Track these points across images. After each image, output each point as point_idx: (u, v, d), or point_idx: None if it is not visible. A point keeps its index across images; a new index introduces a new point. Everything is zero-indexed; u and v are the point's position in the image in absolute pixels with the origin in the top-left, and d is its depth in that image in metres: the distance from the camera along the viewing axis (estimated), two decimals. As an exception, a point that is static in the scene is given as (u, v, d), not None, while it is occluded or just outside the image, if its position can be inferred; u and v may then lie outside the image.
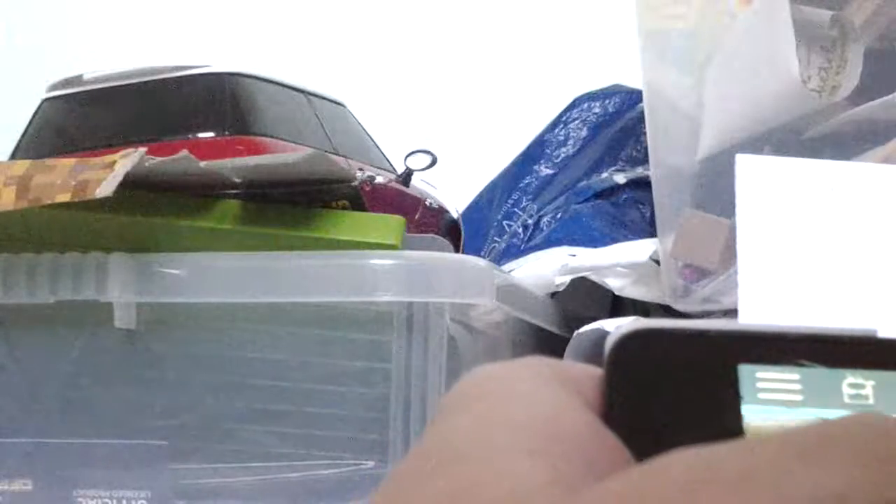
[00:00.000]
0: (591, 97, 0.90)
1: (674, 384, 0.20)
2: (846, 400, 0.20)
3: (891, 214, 0.56)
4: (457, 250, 0.75)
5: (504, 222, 0.86)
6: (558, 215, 0.81)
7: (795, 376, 0.20)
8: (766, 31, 0.64)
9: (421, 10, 1.22)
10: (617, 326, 0.21)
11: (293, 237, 0.56)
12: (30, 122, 0.72)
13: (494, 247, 0.85)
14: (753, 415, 0.20)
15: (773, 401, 0.20)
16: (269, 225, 0.56)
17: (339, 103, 0.80)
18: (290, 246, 0.56)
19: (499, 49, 1.20)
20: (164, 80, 0.68)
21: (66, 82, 0.71)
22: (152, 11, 1.24)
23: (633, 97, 0.86)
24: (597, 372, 0.21)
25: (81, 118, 0.70)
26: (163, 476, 0.58)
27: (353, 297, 0.55)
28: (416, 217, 0.74)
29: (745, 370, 0.20)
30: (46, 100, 0.71)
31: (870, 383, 0.20)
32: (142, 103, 0.69)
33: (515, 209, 0.87)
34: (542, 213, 0.83)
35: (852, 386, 0.20)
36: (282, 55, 1.15)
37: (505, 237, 0.85)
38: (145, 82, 0.69)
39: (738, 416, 0.20)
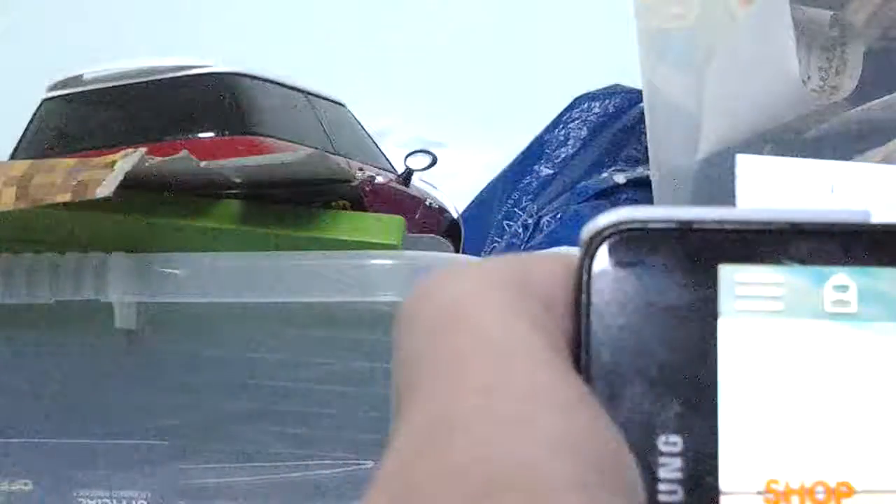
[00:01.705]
0: (591, 97, 0.90)
1: (650, 285, 0.19)
2: (828, 308, 0.19)
3: (891, 214, 0.56)
4: (457, 250, 0.75)
5: (504, 222, 0.86)
6: (558, 215, 0.81)
7: (778, 278, 0.19)
8: (766, 31, 0.64)
9: (421, 11, 1.22)
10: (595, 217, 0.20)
11: (293, 237, 0.56)
12: (30, 122, 0.72)
13: (494, 247, 0.85)
14: (730, 329, 0.19)
15: (752, 311, 0.19)
16: (269, 225, 0.56)
17: (339, 103, 0.80)
18: (290, 246, 0.56)
19: (499, 49, 1.20)
20: (164, 80, 0.68)
21: (66, 82, 0.71)
22: (152, 11, 1.24)
23: (633, 97, 0.86)
24: (568, 269, 0.20)
25: (81, 118, 0.70)
26: (163, 476, 0.58)
27: (353, 297, 0.55)
28: (416, 217, 0.74)
29: (724, 272, 0.19)
30: (46, 100, 0.71)
31: (854, 284, 0.19)
32: (142, 103, 0.68)
33: (515, 209, 0.87)
34: (542, 213, 0.83)
35: (836, 288, 0.19)
36: (282, 55, 1.15)
37: (505, 237, 0.85)
38: (145, 82, 0.69)
39: (713, 332, 0.19)
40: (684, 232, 0.19)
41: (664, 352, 0.19)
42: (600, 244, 0.19)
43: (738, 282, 0.19)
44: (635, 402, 0.19)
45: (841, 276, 0.19)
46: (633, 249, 0.19)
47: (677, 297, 0.19)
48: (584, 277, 0.19)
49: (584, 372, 0.19)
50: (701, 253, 0.19)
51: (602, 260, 0.19)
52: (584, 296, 0.19)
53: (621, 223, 0.19)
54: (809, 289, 0.19)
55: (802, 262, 0.19)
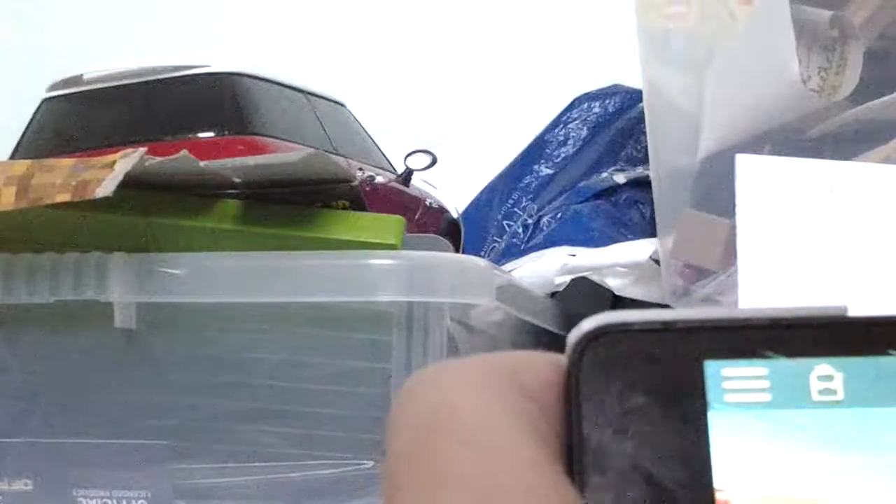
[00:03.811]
0: (591, 97, 0.90)
1: (639, 385, 0.19)
2: (815, 396, 0.19)
3: (891, 214, 0.56)
4: (457, 250, 0.75)
5: (504, 222, 0.86)
6: (558, 215, 0.81)
7: (763, 370, 0.19)
8: (766, 31, 0.64)
9: (421, 10, 1.22)
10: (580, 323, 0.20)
11: (293, 237, 0.56)
12: (30, 122, 0.72)
13: (494, 247, 0.85)
14: (720, 423, 0.19)
15: (740, 403, 0.19)
16: (269, 225, 0.56)
17: (339, 103, 0.80)
18: (290, 246, 0.56)
19: (499, 49, 1.20)
20: (164, 80, 0.68)
21: (66, 82, 0.71)
22: (152, 11, 1.24)
23: (633, 97, 0.86)
24: (558, 371, 0.20)
25: (81, 118, 0.70)
26: (163, 476, 0.58)
27: (353, 297, 0.55)
28: (416, 217, 0.74)
29: (711, 367, 0.19)
30: (46, 100, 0.71)
31: (839, 374, 0.19)
32: (142, 103, 0.69)
33: (515, 209, 0.87)
34: (542, 213, 0.83)
35: (821, 378, 0.19)
36: (282, 55, 1.15)
37: (505, 237, 0.85)
38: (145, 82, 0.69)
39: (704, 427, 0.19)
40: (669, 332, 0.20)
41: (656, 448, 0.19)
42: (587, 347, 0.20)
43: (724, 376, 0.19)
44: (629, 501, 0.19)
45: (825, 366, 0.19)
46: (618, 351, 0.19)
47: (666, 394, 0.19)
48: (573, 380, 0.19)
49: (576, 472, 0.19)
50: (686, 350, 0.19)
51: (589, 362, 0.19)
52: (573, 398, 0.19)
53: (606, 326, 0.20)
54: (795, 379, 0.19)
55: (786, 354, 0.19)
